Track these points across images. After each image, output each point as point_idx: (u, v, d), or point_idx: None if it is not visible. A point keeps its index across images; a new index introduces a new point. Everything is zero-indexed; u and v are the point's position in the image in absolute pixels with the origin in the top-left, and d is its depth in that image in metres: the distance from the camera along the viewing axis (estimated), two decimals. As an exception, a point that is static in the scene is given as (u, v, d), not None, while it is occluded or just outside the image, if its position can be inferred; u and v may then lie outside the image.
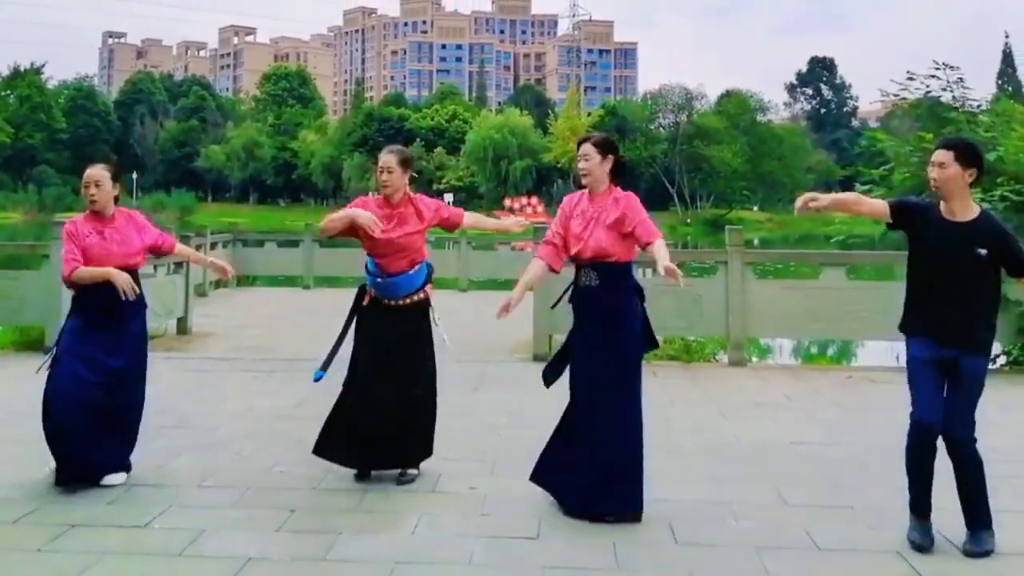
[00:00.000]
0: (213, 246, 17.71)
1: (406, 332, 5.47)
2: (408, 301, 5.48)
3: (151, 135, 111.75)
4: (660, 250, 4.80)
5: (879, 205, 4.59)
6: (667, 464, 5.71)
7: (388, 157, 5.46)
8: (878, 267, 13.52)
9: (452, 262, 19.28)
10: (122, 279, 5.17)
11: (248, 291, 19.24)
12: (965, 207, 4.41)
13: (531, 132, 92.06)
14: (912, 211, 4.51)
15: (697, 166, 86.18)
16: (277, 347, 11.05)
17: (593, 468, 4.83)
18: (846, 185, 47.89)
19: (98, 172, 5.43)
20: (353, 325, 5.59)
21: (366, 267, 5.53)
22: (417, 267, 5.50)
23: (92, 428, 5.19)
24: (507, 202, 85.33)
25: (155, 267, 11.12)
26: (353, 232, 5.37)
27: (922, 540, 4.43)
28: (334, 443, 5.52)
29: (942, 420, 4.37)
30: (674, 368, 9.72)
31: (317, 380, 5.46)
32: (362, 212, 5.28)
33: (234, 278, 18.72)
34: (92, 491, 5.20)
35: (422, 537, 4.58)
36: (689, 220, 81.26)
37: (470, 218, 5.90)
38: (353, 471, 5.58)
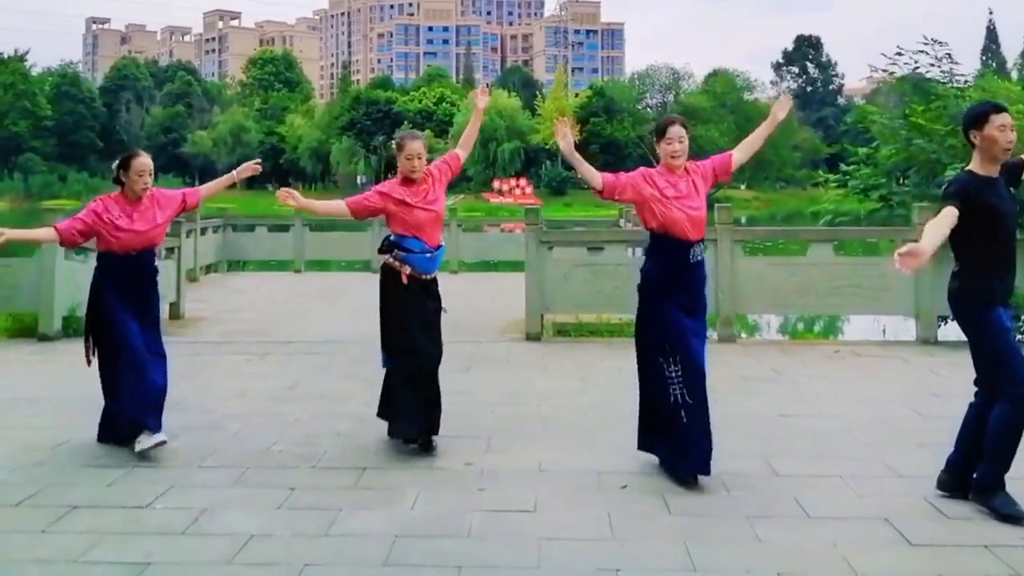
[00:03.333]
0: (203, 231, 17.68)
1: (436, 303, 5.78)
2: (435, 274, 5.81)
3: (137, 121, 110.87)
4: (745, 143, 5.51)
5: (948, 216, 4.45)
6: (659, 438, 5.78)
7: (416, 144, 5.70)
8: (865, 243, 13.62)
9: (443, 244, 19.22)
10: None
11: (239, 276, 19.22)
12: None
13: (519, 114, 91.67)
14: (969, 191, 4.52)
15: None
16: (270, 330, 11.05)
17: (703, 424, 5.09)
18: (832, 163, 47.91)
19: (150, 162, 5.81)
20: (390, 304, 5.71)
21: (401, 246, 5.66)
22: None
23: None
24: (496, 184, 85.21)
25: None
26: (377, 212, 5.76)
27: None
28: (409, 421, 5.64)
29: None
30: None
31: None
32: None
33: (224, 263, 18.96)
34: (92, 473, 5.27)
35: (421, 512, 4.66)
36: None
37: (464, 153, 6.08)
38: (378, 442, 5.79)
